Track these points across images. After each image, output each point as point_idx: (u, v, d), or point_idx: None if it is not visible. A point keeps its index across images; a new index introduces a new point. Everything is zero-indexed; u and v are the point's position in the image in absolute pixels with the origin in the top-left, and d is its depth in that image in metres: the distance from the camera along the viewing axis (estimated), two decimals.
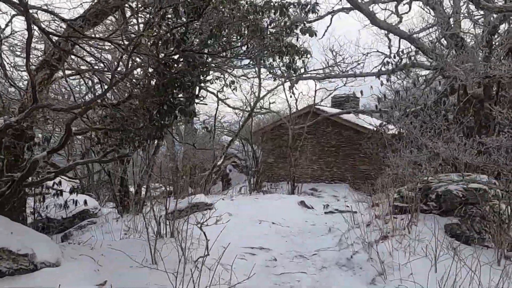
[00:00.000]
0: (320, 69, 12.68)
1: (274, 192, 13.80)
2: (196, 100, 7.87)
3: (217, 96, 14.12)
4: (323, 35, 13.44)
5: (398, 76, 15.85)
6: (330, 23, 13.26)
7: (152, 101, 4.65)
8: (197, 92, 8.24)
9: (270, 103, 16.60)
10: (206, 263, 4.51)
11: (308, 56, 5.82)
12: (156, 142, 9.21)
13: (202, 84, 7.83)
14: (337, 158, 17.39)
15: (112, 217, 8.59)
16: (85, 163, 10.33)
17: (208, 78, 7.04)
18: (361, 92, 10.60)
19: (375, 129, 13.53)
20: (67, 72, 7.05)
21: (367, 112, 13.89)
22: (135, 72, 6.34)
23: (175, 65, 4.72)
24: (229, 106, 16.18)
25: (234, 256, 4.87)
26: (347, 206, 10.69)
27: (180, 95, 4.95)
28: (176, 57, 4.80)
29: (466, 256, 4.57)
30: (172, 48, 4.62)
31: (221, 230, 5.24)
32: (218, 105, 12.56)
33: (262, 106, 15.41)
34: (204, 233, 4.92)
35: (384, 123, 13.17)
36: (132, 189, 10.58)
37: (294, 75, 11.62)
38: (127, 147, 5.37)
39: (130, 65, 4.74)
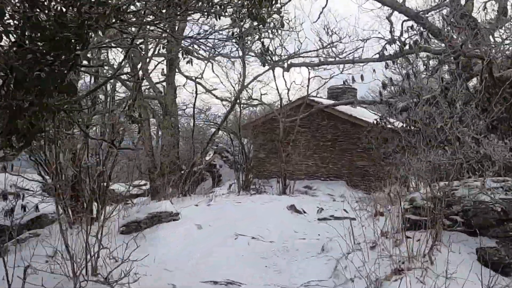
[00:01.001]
0: (314, 50, 11.06)
1: (264, 192, 12.19)
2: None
3: (194, 81, 12.41)
4: (318, 17, 11.77)
5: (399, 63, 14.21)
6: (326, 3, 11.60)
7: None
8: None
9: (261, 94, 14.92)
10: None
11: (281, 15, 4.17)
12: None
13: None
14: (332, 153, 15.77)
15: (64, 227, 6.91)
16: None
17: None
18: (362, 77, 8.96)
19: (375, 122, 11.90)
20: None
21: (367, 102, 12.22)
22: None
23: None
24: (216, 97, 14.51)
25: None
26: (344, 211, 9.11)
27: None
28: None
29: None
30: None
31: (181, 251, 3.63)
32: (196, 92, 10.91)
33: (250, 96, 13.75)
34: None
35: (385, 115, 11.55)
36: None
37: (282, 59, 10.00)
38: None
39: None
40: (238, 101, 11.53)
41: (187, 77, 12.31)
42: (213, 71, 13.92)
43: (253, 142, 17.07)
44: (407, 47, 10.31)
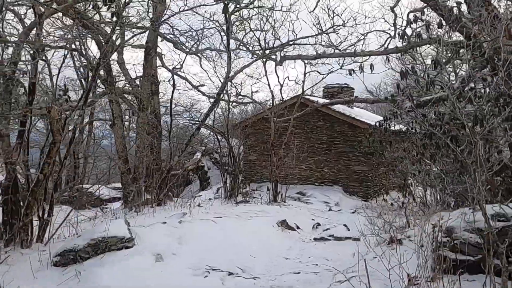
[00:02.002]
0: (312, 36, 9.42)
1: (253, 198, 10.60)
2: None
3: (172, 72, 10.76)
4: (316, 6, 10.18)
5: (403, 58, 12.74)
6: None
7: None
8: None
9: (252, 92, 13.32)
10: None
11: None
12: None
13: None
14: (328, 157, 14.24)
15: None
16: None
17: None
18: (371, 66, 7.35)
19: (377, 124, 10.37)
20: None
21: (369, 101, 10.67)
22: None
23: None
24: (203, 93, 12.89)
25: None
26: (345, 226, 7.56)
27: None
28: None
29: None
30: None
31: None
32: (174, 84, 9.22)
33: (239, 93, 12.13)
34: None
35: (390, 116, 10.01)
36: None
37: (274, 50, 8.41)
38: None
39: None
40: (223, 96, 9.90)
41: (164, 66, 10.69)
42: (200, 66, 12.29)
43: (243, 143, 15.50)
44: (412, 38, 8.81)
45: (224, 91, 12.64)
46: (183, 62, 10.07)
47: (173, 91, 9.03)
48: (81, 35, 8.72)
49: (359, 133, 13.57)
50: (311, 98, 14.15)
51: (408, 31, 9.79)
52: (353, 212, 10.68)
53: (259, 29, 10.50)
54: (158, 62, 11.91)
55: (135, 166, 9.25)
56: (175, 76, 12.94)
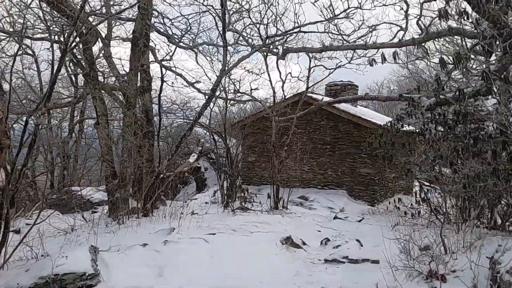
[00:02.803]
0: (320, 21, 8.25)
1: (251, 206, 9.50)
2: None
3: (159, 63, 9.64)
4: None
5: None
6: None
7: None
8: None
9: (251, 89, 12.20)
10: None
11: None
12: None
13: None
14: (332, 159, 13.15)
15: None
16: None
17: None
18: (395, 54, 6.21)
19: (388, 124, 9.28)
20: None
21: (381, 98, 9.57)
22: None
23: None
24: (199, 90, 11.77)
25: None
26: (358, 242, 6.47)
27: None
28: None
29: None
30: None
31: None
32: (162, 78, 8.06)
33: (238, 90, 11.01)
34: None
35: (403, 116, 8.94)
36: None
37: (277, 37, 7.29)
38: None
39: None
40: (220, 93, 8.79)
41: (157, 61, 9.56)
42: (196, 61, 11.17)
43: (241, 143, 14.40)
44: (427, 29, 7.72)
45: (222, 88, 11.55)
46: (173, 54, 8.93)
47: (161, 85, 7.92)
48: (64, 26, 7.62)
49: (365, 133, 12.48)
50: (314, 96, 13.06)
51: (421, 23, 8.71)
52: (360, 220, 9.60)
53: (259, 21, 9.40)
54: (151, 58, 10.82)
55: (121, 171, 8.13)
56: (170, 72, 11.89)
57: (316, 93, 14.12)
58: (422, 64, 18.96)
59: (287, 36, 8.24)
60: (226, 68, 7.39)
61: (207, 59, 11.14)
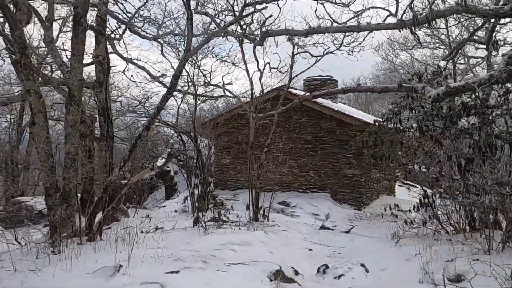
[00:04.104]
0: None
1: (227, 217, 7.91)
2: None
3: (121, 56, 7.94)
4: None
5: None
6: None
7: None
8: None
9: (224, 84, 10.55)
10: None
11: None
12: None
13: None
14: (314, 159, 11.77)
15: None
16: None
17: None
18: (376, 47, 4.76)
19: (384, 118, 7.90)
20: None
21: (377, 90, 8.16)
22: None
23: None
24: (163, 85, 10.03)
25: None
26: (362, 267, 5.01)
27: None
28: None
29: None
30: None
31: None
32: (108, 64, 6.28)
33: (209, 82, 9.36)
34: None
35: (400, 110, 7.59)
36: None
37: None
38: None
39: None
40: (188, 88, 7.10)
41: (114, 52, 7.75)
42: (162, 54, 9.41)
43: (214, 144, 12.77)
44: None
45: (190, 83, 9.87)
46: (123, 33, 7.15)
47: (107, 73, 6.13)
48: None
49: (349, 131, 11.18)
50: (293, 91, 11.61)
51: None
52: (350, 229, 8.21)
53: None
54: (110, 49, 9.00)
55: (64, 181, 6.33)
56: (132, 65, 10.10)
57: (294, 88, 12.67)
58: (404, 55, 17.96)
59: (267, 8, 6.66)
60: (192, 49, 5.74)
61: (173, 51, 9.41)
